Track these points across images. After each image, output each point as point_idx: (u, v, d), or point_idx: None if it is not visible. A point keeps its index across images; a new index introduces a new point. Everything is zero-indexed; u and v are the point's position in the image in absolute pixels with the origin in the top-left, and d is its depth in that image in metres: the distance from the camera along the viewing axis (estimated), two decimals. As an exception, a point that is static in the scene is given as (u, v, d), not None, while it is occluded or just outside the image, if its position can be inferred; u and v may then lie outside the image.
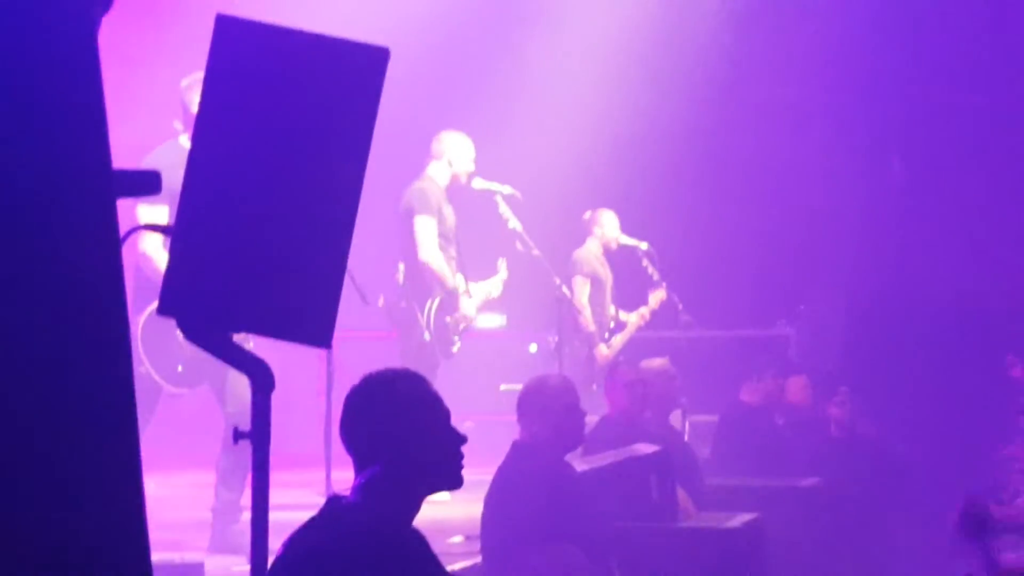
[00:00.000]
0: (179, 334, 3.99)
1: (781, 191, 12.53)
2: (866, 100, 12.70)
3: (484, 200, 9.26)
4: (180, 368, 6.95)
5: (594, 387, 9.78)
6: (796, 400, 10.31)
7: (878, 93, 12.64)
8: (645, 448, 7.46)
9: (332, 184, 3.49)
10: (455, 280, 8.90)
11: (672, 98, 12.15)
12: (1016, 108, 12.36)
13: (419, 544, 3.93)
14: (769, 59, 12.27)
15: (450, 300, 8.89)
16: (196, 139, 3.45)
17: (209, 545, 7.15)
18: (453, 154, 8.98)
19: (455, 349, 8.96)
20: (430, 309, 8.82)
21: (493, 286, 9.20)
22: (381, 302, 8.77)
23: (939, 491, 9.31)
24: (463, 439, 3.94)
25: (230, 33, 3.37)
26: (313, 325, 3.53)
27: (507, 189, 9.30)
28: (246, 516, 6.87)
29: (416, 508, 3.88)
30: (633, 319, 10.60)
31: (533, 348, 12.16)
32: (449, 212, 8.93)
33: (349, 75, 3.47)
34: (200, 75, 6.65)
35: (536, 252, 9.40)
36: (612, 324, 10.54)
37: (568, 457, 6.86)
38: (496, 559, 6.34)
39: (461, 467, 3.95)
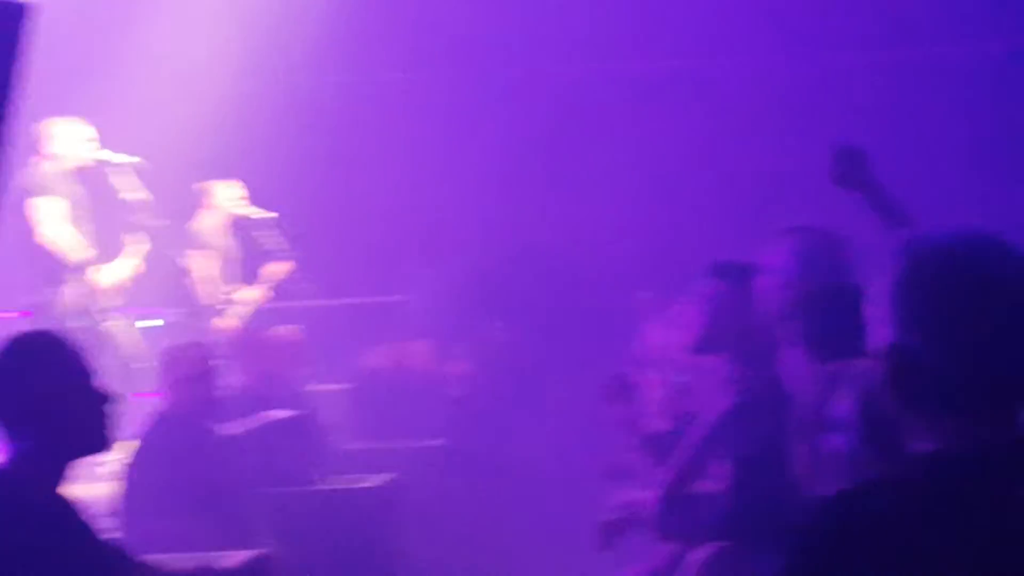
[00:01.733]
0: None
1: (393, 160, 12.65)
2: (478, 73, 12.98)
3: (107, 172, 9.09)
4: None
5: (221, 361, 9.69)
6: (419, 364, 10.49)
7: (486, 66, 12.93)
8: (280, 414, 7.49)
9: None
10: (84, 254, 8.75)
11: (290, 67, 12.12)
12: (613, 76, 12.83)
13: (72, 511, 3.86)
14: (384, 26, 12.38)
15: (81, 277, 8.73)
16: None
17: None
18: (63, 141, 8.87)
19: (111, 323, 8.83)
20: (66, 293, 8.66)
21: (128, 262, 9.05)
22: None
23: (566, 446, 9.65)
24: (107, 398, 3.86)
25: None
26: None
27: (128, 159, 9.14)
28: None
29: (66, 473, 3.80)
30: (256, 292, 10.54)
31: (154, 323, 11.89)
32: (75, 191, 8.78)
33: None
34: None
35: (158, 223, 9.27)
36: (234, 297, 10.45)
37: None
38: (136, 530, 6.25)
39: (107, 427, 3.87)
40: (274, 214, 10.58)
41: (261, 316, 10.36)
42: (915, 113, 11.79)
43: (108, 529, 6.13)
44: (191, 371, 6.55)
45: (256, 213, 10.55)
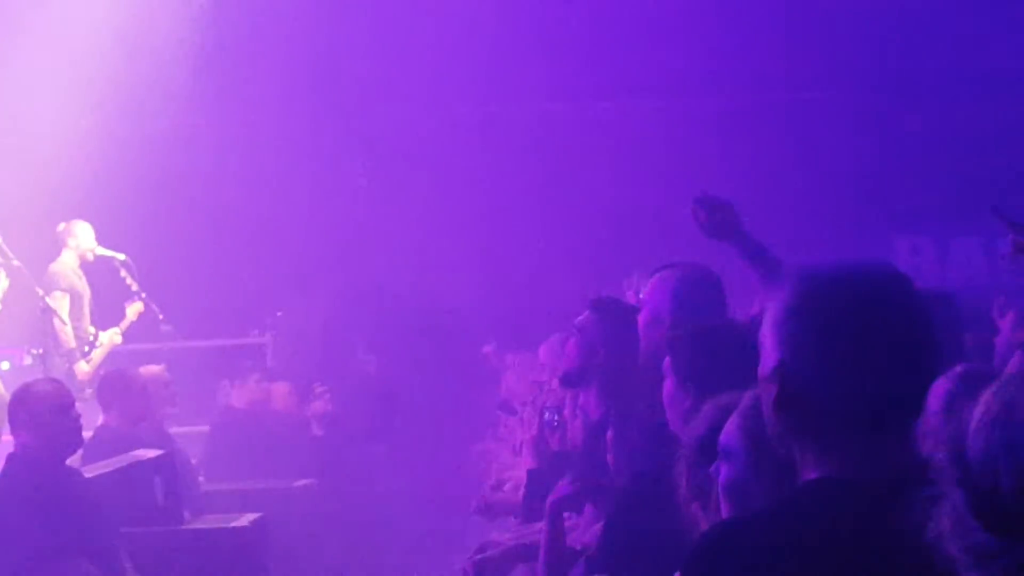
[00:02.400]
0: None
1: (251, 200, 12.62)
2: (334, 111, 13.01)
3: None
4: None
5: (80, 403, 9.57)
6: (281, 405, 10.46)
7: (347, 105, 12.97)
8: (147, 453, 7.43)
9: None
10: None
11: (143, 109, 12.02)
12: (466, 118, 12.94)
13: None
14: (242, 70, 12.35)
15: None
16: None
17: None
18: None
19: None
20: None
21: None
22: None
23: (424, 484, 9.70)
24: None
25: None
26: None
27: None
28: None
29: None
30: (111, 334, 10.43)
31: (4, 366, 11.66)
32: None
33: None
34: None
35: (16, 263, 9.16)
36: (91, 338, 10.33)
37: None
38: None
39: None
40: (123, 255, 10.48)
41: (124, 357, 10.26)
42: (790, 156, 12.06)
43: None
44: (43, 409, 6.42)
45: (112, 254, 10.45)
